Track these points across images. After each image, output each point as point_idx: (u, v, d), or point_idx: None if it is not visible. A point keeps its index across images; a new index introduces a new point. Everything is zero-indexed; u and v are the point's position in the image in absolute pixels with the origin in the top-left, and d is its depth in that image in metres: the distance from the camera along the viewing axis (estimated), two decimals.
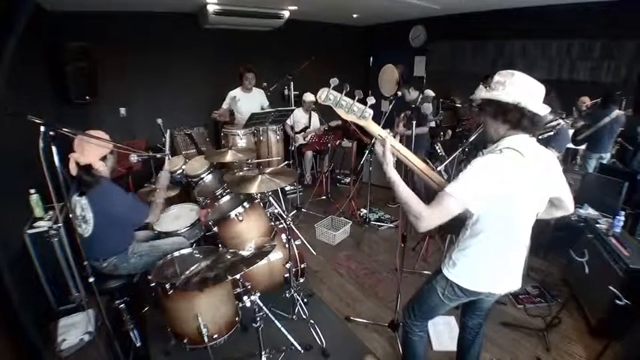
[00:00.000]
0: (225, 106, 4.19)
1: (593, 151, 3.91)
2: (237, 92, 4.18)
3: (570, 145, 4.07)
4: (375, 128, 1.38)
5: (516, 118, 1.26)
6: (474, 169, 1.23)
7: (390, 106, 3.56)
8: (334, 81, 1.30)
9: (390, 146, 1.33)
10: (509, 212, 1.29)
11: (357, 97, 1.32)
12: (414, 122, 2.23)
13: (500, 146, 1.28)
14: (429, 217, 1.22)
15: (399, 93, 3.66)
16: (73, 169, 1.88)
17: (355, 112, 1.34)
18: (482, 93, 1.34)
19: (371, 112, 1.35)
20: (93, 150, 1.92)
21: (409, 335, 1.73)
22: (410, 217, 1.27)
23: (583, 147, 4.16)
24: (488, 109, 1.33)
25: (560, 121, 2.43)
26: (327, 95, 1.32)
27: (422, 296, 1.63)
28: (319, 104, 1.39)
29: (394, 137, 1.38)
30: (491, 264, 1.40)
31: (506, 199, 1.25)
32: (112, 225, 1.96)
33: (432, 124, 4.12)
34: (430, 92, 4.46)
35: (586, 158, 4.04)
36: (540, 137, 2.16)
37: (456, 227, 1.44)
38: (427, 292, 1.59)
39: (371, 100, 1.34)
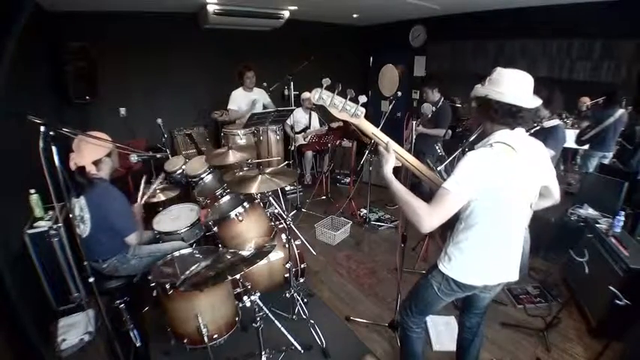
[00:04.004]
0: (235, 107, 4.16)
1: (597, 150, 3.90)
2: (239, 92, 4.17)
3: (568, 145, 4.07)
4: (367, 126, 1.41)
5: (486, 111, 1.31)
6: (466, 162, 1.26)
7: (390, 106, 3.55)
8: (326, 81, 1.31)
9: (393, 151, 1.36)
10: (502, 204, 1.30)
11: (348, 96, 1.34)
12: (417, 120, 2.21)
13: (490, 140, 1.32)
14: (430, 215, 1.21)
15: (425, 94, 3.65)
16: (73, 168, 1.88)
17: (347, 110, 1.36)
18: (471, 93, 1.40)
19: (363, 110, 1.37)
20: (88, 152, 1.91)
21: (407, 332, 1.74)
22: (411, 219, 1.25)
23: (585, 147, 4.15)
24: (473, 107, 1.40)
25: (558, 120, 2.42)
26: (319, 95, 1.34)
27: (418, 292, 1.64)
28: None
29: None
30: (486, 256, 1.41)
31: (499, 191, 1.27)
32: (108, 227, 1.95)
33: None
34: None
35: (588, 157, 4.02)
36: (529, 132, 2.17)
37: (452, 222, 1.45)
38: (423, 288, 1.60)
39: (362, 99, 1.36)
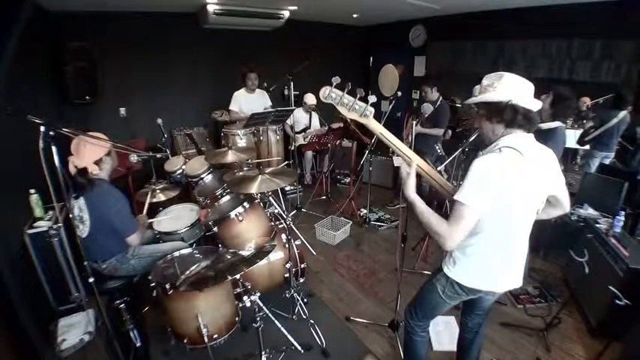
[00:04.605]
0: (236, 108, 4.17)
1: (600, 150, 3.89)
2: (241, 93, 4.18)
3: (568, 145, 4.06)
4: (375, 126, 1.40)
5: (511, 115, 1.29)
6: (477, 171, 1.24)
7: (390, 106, 3.55)
8: (336, 79, 1.32)
9: (415, 168, 1.36)
10: (510, 210, 1.29)
11: (358, 96, 1.34)
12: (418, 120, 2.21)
13: (498, 145, 1.30)
14: (452, 233, 1.24)
15: (424, 93, 3.66)
16: (72, 171, 1.88)
17: (357, 110, 1.36)
18: (475, 98, 1.38)
19: (372, 110, 1.37)
20: (88, 153, 1.91)
21: (411, 336, 1.73)
22: (434, 237, 1.30)
23: (586, 147, 4.15)
24: (482, 112, 1.37)
25: (558, 122, 2.40)
26: (329, 94, 1.34)
27: (423, 296, 1.64)
28: (320, 103, 1.41)
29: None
30: (492, 262, 1.40)
31: (507, 198, 1.25)
32: (107, 228, 1.95)
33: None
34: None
35: (591, 157, 4.01)
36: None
37: None
38: (428, 291, 1.59)
39: (372, 99, 1.37)
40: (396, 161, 1.51)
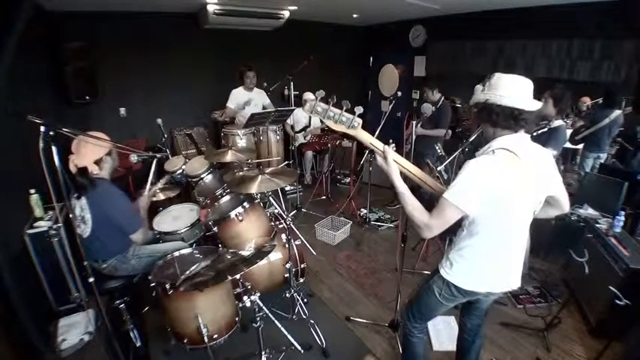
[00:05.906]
0: (232, 105, 4.15)
1: (591, 151, 3.93)
2: (239, 91, 4.17)
3: (568, 145, 4.08)
4: (365, 137, 1.39)
5: (486, 115, 1.31)
6: (467, 173, 1.24)
7: (390, 106, 3.55)
8: (320, 93, 1.30)
9: (392, 159, 1.36)
10: (505, 212, 1.29)
11: (344, 107, 1.32)
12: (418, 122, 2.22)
13: (492, 147, 1.30)
14: (432, 226, 1.27)
15: (425, 94, 3.66)
16: (73, 170, 1.88)
17: (344, 122, 1.34)
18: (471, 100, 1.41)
19: (360, 120, 1.35)
20: (88, 152, 1.92)
21: (409, 337, 1.73)
22: (414, 226, 1.32)
23: (581, 146, 4.16)
24: (474, 112, 1.39)
25: (560, 121, 2.44)
26: (314, 107, 1.32)
27: (420, 297, 1.64)
28: None
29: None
30: (489, 264, 1.40)
31: (502, 200, 1.25)
32: (109, 227, 1.95)
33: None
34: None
35: (584, 157, 4.05)
36: (534, 134, 2.19)
37: (453, 228, 1.45)
38: (425, 293, 1.59)
39: (359, 110, 1.35)
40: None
